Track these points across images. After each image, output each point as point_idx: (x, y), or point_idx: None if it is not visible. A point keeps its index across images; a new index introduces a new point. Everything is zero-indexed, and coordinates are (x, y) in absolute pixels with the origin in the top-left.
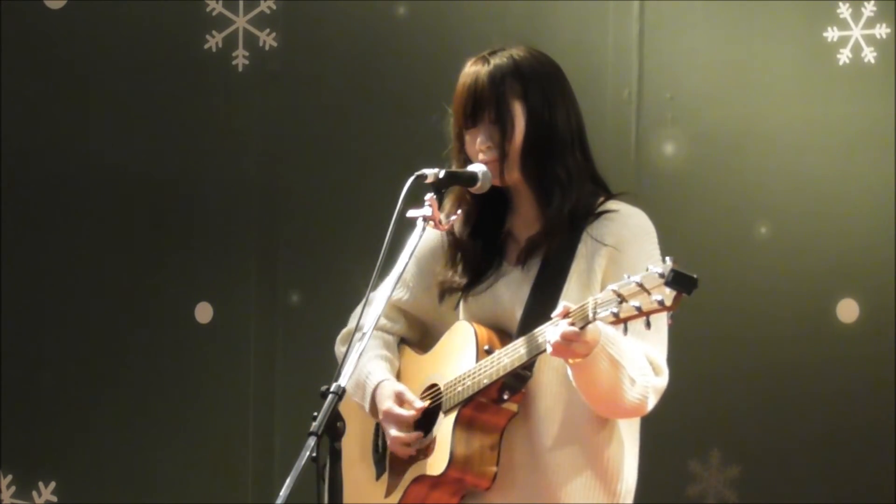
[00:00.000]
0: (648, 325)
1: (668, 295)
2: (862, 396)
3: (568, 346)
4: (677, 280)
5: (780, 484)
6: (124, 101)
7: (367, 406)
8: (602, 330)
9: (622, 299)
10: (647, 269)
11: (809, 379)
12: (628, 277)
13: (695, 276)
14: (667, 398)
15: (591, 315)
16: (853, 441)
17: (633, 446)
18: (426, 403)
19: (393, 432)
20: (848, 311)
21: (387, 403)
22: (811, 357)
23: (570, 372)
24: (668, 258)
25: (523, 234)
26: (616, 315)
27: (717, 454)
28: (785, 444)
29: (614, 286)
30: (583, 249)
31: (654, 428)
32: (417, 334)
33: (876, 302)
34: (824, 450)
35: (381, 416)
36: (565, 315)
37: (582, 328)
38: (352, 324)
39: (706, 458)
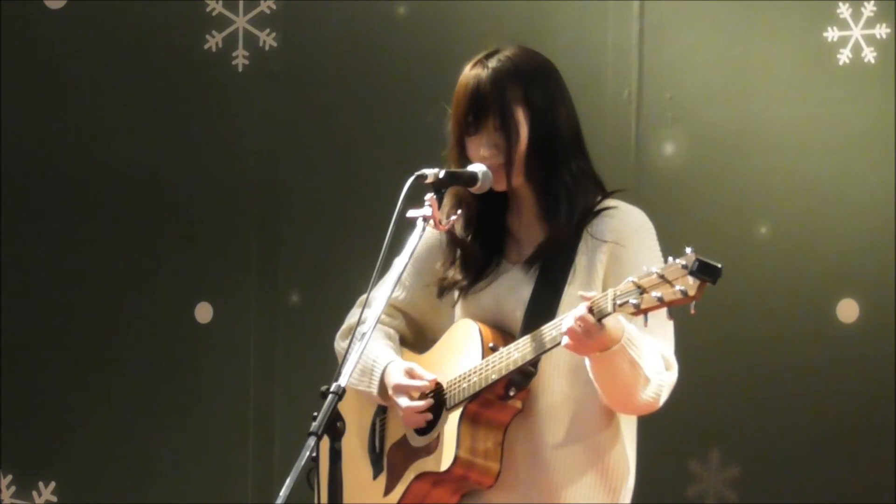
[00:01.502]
0: (670, 315)
1: (691, 285)
2: (862, 396)
3: (583, 334)
4: (702, 269)
5: (780, 484)
6: (124, 101)
7: (375, 389)
8: (626, 328)
9: (643, 290)
10: (668, 261)
11: (809, 379)
12: (647, 269)
13: (719, 265)
14: (667, 398)
15: (610, 307)
16: (853, 441)
17: (632, 446)
18: (434, 382)
19: (405, 403)
20: (848, 311)
21: (396, 378)
22: (811, 357)
23: (588, 363)
24: (688, 248)
25: (523, 233)
26: (637, 306)
27: (717, 454)
28: (785, 444)
29: (633, 278)
30: (583, 247)
31: (654, 428)
32: (412, 334)
33: (876, 302)
34: (824, 450)
35: (391, 392)
36: (590, 305)
37: (599, 321)
38: (348, 322)
39: (706, 458)
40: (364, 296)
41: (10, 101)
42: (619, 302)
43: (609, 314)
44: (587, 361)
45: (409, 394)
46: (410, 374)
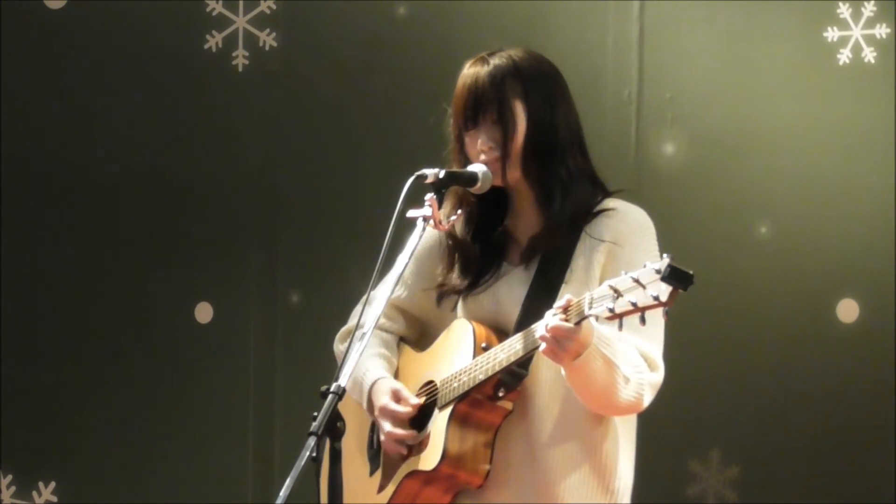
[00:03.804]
0: (643, 320)
1: (663, 290)
2: (862, 396)
3: (554, 341)
4: (673, 275)
5: (780, 484)
6: (124, 101)
7: (364, 404)
8: (595, 329)
9: (618, 294)
10: (645, 265)
11: (809, 379)
12: (625, 273)
13: (690, 271)
14: (667, 398)
15: (586, 309)
16: (853, 441)
17: (629, 443)
18: (422, 400)
19: (388, 428)
20: (848, 311)
21: (383, 400)
22: (811, 357)
23: (563, 372)
24: (665, 254)
25: (524, 234)
26: (612, 310)
27: (717, 454)
28: (785, 445)
29: (610, 282)
30: (581, 248)
31: (654, 428)
32: (416, 333)
33: (876, 302)
34: (824, 450)
35: (376, 413)
36: (566, 307)
37: (577, 323)
38: (351, 322)
39: (706, 458)
40: (367, 296)
41: (10, 101)
42: (595, 305)
43: (586, 317)
44: (563, 371)
45: (393, 420)
46: (396, 397)
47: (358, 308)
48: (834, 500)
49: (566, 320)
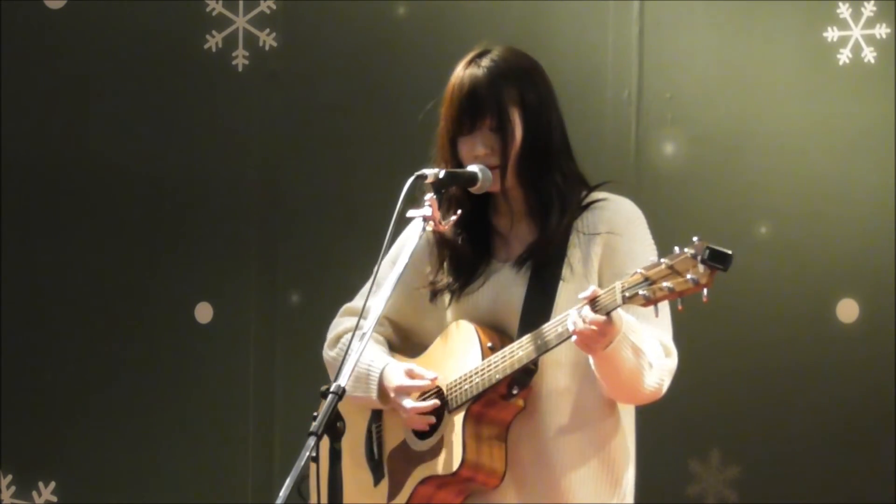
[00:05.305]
0: (678, 305)
1: (702, 273)
2: (862, 396)
3: (590, 334)
4: (713, 257)
5: (780, 484)
6: (124, 101)
7: (374, 394)
8: (623, 318)
9: (651, 281)
10: (675, 250)
11: (809, 379)
12: (654, 260)
13: (729, 251)
14: (667, 398)
15: (619, 299)
16: (853, 441)
17: (632, 435)
18: (436, 377)
19: (410, 404)
20: (848, 311)
21: (397, 380)
22: (811, 357)
23: (592, 360)
24: (694, 238)
25: (512, 232)
26: (647, 297)
27: (717, 454)
28: (785, 445)
29: (641, 269)
30: (574, 242)
31: (654, 428)
32: (399, 340)
33: (876, 302)
34: (824, 450)
35: (392, 394)
36: (593, 299)
37: (608, 314)
38: (334, 331)
39: (706, 458)
40: (348, 304)
41: (10, 101)
42: (628, 294)
43: (618, 307)
44: (591, 359)
45: (411, 395)
46: (410, 375)
47: (338, 318)
48: (834, 500)
49: (597, 310)
